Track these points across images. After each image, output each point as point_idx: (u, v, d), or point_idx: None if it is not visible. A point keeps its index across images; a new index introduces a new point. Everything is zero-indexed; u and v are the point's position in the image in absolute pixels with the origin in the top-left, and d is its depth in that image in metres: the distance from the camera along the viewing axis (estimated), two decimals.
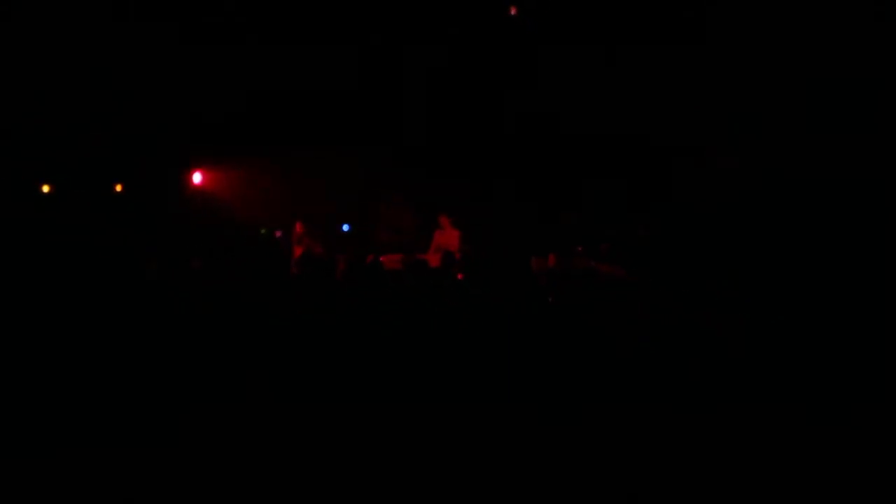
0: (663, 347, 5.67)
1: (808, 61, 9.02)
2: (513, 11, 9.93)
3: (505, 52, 10.26)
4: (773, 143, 9.56)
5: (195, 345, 5.73)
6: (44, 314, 5.84)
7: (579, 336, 5.83)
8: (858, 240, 7.55)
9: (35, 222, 9.75)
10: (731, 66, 9.67)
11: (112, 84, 10.54)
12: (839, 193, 8.63)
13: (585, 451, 4.62)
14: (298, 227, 9.81)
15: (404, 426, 4.94)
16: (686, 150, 10.20)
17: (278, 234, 10.69)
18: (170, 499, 4.12)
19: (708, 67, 9.83)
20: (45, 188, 11.07)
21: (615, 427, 4.93)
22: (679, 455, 4.54)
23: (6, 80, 9.94)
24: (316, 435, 4.80)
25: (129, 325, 5.84)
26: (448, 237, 9.45)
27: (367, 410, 5.12)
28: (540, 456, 4.56)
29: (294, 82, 10.67)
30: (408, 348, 5.68)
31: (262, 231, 11.37)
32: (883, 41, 8.64)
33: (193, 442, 4.76)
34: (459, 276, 8.21)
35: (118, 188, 11.39)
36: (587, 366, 5.56)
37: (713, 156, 10.07)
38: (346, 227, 11.42)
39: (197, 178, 11.42)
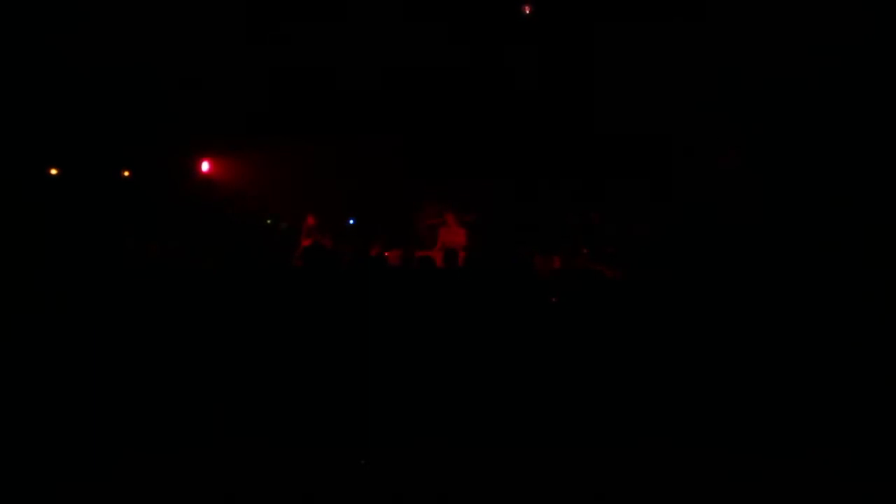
0: (664, 349, 5.69)
1: (809, 60, 9.01)
2: (526, 10, 9.95)
3: (515, 51, 10.30)
4: (773, 143, 9.64)
5: (195, 336, 5.70)
6: (44, 301, 5.79)
7: (582, 337, 5.85)
8: (859, 240, 7.55)
9: (42, 205, 9.79)
10: (732, 66, 9.69)
11: (124, 70, 10.54)
12: (839, 193, 8.69)
13: (586, 453, 4.69)
14: (310, 220, 9.85)
15: (404, 425, 5.00)
16: (686, 149, 10.27)
17: (285, 223, 10.75)
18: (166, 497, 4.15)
19: (708, 66, 9.84)
20: (53, 171, 11.13)
21: (616, 427, 5.01)
22: (679, 456, 4.61)
23: (17, 64, 9.96)
24: (314, 433, 4.86)
25: (129, 315, 5.79)
26: (453, 235, 9.53)
27: (365, 409, 5.15)
28: (540, 458, 4.62)
29: (306, 72, 10.72)
30: (408, 345, 5.66)
31: (268, 221, 11.43)
32: (882, 40, 8.67)
33: (194, 439, 4.79)
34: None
35: (126, 174, 11.45)
36: (589, 367, 5.55)
37: (713, 156, 10.13)
38: (351, 221, 11.47)
39: (205, 166, 11.50)
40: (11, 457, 4.45)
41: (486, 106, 10.87)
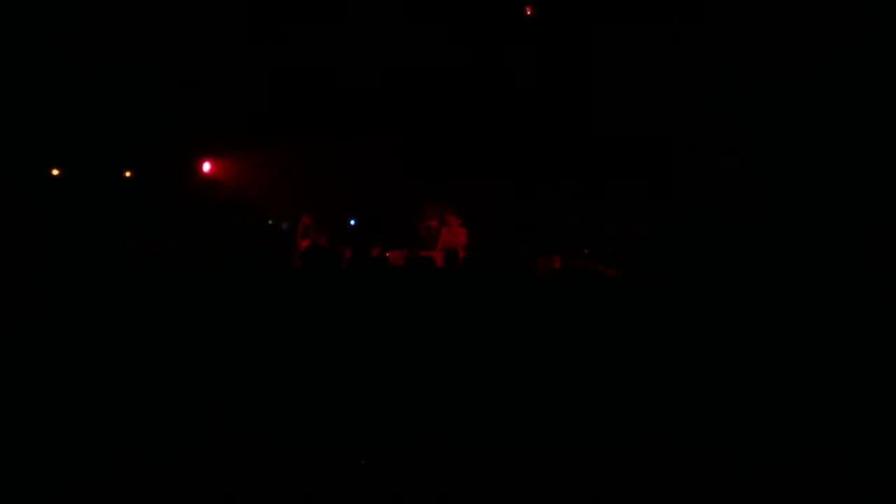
0: (665, 348, 5.69)
1: (809, 60, 9.02)
2: (528, 11, 9.97)
3: (515, 51, 10.31)
4: (772, 144, 9.64)
5: (195, 336, 5.72)
6: (44, 300, 5.82)
7: (582, 337, 5.85)
8: (859, 240, 7.54)
9: (43, 205, 9.80)
10: (732, 66, 9.70)
11: (124, 70, 10.55)
12: (839, 194, 8.68)
13: (586, 453, 4.69)
14: (306, 220, 9.87)
15: (404, 425, 5.01)
16: (686, 149, 10.27)
17: (285, 223, 10.76)
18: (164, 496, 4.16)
19: (708, 66, 9.86)
20: (55, 171, 11.15)
21: (616, 427, 5.01)
22: (680, 456, 4.61)
23: (18, 65, 9.97)
24: (314, 433, 4.87)
25: (129, 315, 5.82)
26: (454, 235, 9.51)
27: (365, 409, 5.16)
28: (540, 458, 4.62)
29: (306, 72, 10.74)
30: (408, 345, 5.68)
31: (269, 221, 11.44)
32: (882, 39, 8.67)
33: (194, 439, 4.80)
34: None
35: (127, 174, 11.47)
36: (589, 366, 5.58)
37: (713, 156, 10.13)
38: (352, 221, 11.49)
39: (206, 166, 11.52)
40: (11, 457, 4.44)
41: (486, 106, 10.87)
